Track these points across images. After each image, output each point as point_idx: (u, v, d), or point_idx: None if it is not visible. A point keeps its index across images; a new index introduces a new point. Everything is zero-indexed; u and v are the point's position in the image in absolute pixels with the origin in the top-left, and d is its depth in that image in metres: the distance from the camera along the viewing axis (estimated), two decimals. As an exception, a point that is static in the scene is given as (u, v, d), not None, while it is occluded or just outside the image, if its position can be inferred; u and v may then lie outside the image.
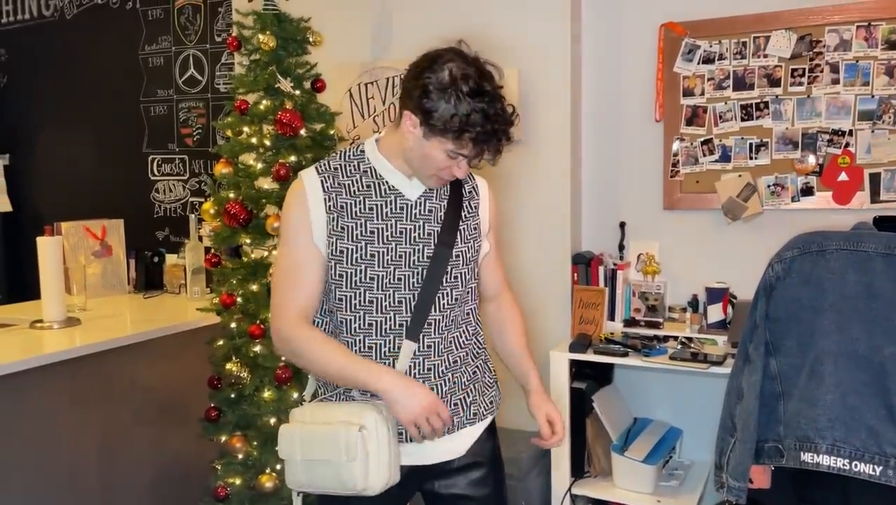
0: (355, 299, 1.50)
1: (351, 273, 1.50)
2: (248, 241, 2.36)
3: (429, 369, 1.53)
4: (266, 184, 2.35)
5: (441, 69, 1.39)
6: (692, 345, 2.56)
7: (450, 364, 1.56)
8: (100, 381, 2.50)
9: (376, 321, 1.51)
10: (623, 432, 2.72)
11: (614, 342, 2.63)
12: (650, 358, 2.50)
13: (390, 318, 1.50)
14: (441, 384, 1.54)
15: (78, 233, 3.23)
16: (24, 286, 4.34)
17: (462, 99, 1.38)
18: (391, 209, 1.51)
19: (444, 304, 1.53)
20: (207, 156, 3.98)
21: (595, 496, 2.64)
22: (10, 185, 4.60)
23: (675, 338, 2.65)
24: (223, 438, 2.37)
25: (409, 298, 1.51)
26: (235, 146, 2.38)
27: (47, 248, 2.60)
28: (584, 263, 2.84)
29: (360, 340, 1.52)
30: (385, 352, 1.51)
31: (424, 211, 1.53)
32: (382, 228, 1.50)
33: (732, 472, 1.82)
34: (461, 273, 1.55)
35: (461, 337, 1.59)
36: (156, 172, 4.19)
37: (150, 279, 3.45)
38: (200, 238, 3.20)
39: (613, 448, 2.63)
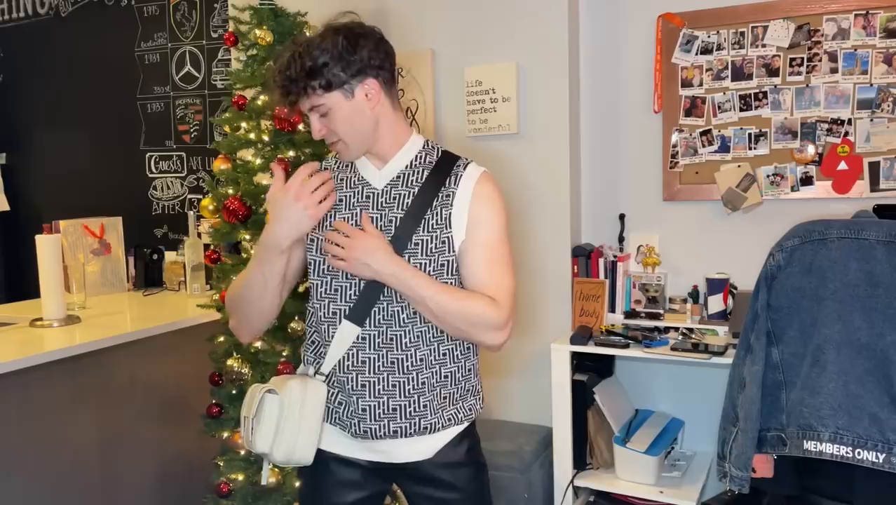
0: (322, 287, 1.55)
1: (319, 261, 1.56)
2: (247, 236, 2.35)
3: (392, 363, 1.50)
4: (265, 179, 2.34)
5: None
6: (693, 336, 2.56)
7: (416, 361, 1.50)
8: (100, 379, 2.50)
9: (340, 309, 1.52)
10: (625, 424, 2.72)
11: (615, 334, 2.63)
12: (651, 349, 2.49)
13: (353, 306, 1.51)
14: (405, 381, 1.50)
15: (76, 231, 3.22)
16: (23, 285, 4.35)
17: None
18: (358, 199, 1.55)
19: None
20: (205, 152, 3.97)
21: (598, 488, 2.64)
22: (8, 183, 4.60)
23: (676, 329, 2.65)
24: (225, 435, 2.38)
25: None
26: (233, 142, 2.37)
27: (46, 246, 2.59)
28: (584, 256, 2.84)
29: (325, 328, 1.54)
30: None
31: (389, 199, 1.53)
32: (348, 218, 1.54)
33: (735, 461, 1.82)
34: (421, 263, 1.48)
35: (429, 333, 1.51)
36: (153, 170, 4.18)
37: (149, 277, 3.45)
38: (199, 235, 3.20)
39: (615, 440, 2.63)
